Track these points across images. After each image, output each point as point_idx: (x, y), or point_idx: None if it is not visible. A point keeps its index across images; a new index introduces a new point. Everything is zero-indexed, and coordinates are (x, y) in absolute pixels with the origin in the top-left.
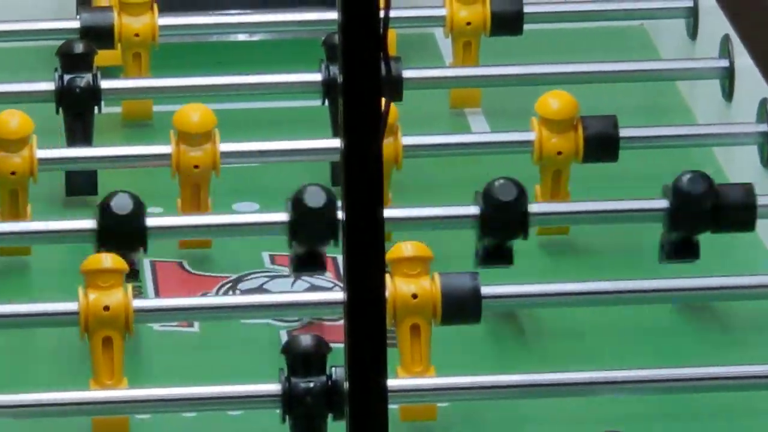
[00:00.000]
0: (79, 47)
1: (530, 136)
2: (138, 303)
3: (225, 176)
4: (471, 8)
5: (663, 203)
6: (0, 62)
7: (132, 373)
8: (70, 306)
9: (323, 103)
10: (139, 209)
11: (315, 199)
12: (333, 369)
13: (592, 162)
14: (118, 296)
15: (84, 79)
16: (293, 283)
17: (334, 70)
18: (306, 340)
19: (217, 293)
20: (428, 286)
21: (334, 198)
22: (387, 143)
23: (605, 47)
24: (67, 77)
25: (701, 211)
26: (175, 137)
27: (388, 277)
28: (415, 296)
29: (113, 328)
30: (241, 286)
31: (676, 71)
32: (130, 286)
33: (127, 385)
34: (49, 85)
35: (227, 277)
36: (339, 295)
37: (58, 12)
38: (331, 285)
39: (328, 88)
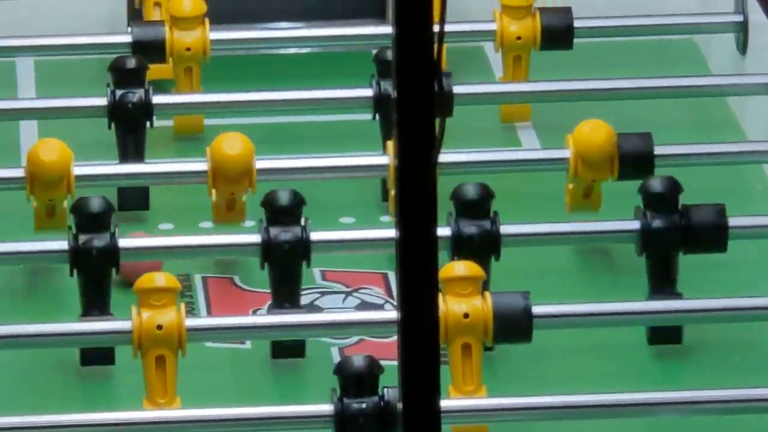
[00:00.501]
0: (131, 63)
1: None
2: (191, 322)
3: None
4: (521, 23)
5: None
6: (52, 75)
7: (185, 392)
8: (124, 325)
9: (374, 117)
10: None
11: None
12: (385, 390)
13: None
14: (171, 315)
15: (136, 95)
16: (345, 299)
17: (385, 85)
18: (358, 361)
19: (268, 309)
20: (480, 306)
21: None
22: None
23: (655, 61)
24: (119, 92)
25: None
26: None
27: (440, 296)
28: (466, 316)
29: (166, 347)
30: None
31: (725, 86)
32: (183, 305)
33: (180, 404)
34: (101, 101)
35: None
36: (391, 314)
37: (110, 24)
38: (381, 301)
39: (378, 103)
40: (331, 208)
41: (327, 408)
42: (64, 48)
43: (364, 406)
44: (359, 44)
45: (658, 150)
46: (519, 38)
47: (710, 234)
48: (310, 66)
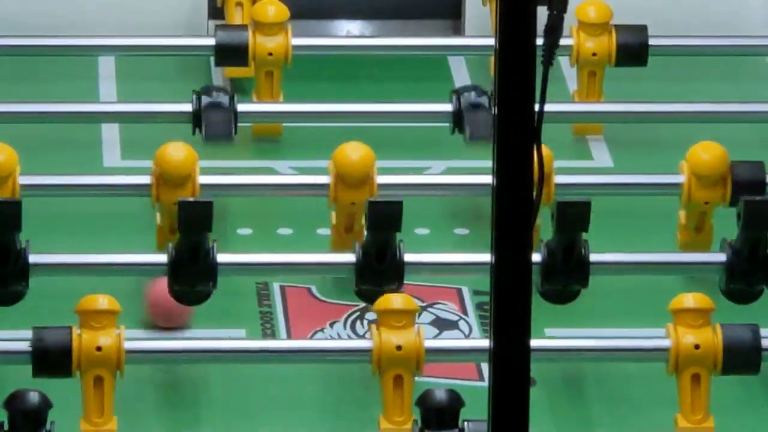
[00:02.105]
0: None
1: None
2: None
3: None
4: (597, 39)
5: None
6: (131, 71)
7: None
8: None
9: (452, 132)
10: None
11: None
12: (465, 423)
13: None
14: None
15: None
16: (419, 315)
17: (464, 100)
18: (440, 394)
19: (345, 322)
20: (711, 337)
21: None
22: None
23: (723, 77)
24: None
25: None
26: (334, 171)
27: (671, 326)
28: (697, 347)
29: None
30: (368, 315)
31: None
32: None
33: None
34: (187, 107)
35: (355, 305)
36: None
37: (189, 22)
38: (456, 318)
39: (457, 117)
40: (407, 216)
41: None
42: (149, 48)
43: None
44: (434, 54)
45: None
46: (594, 54)
47: None
48: (380, 65)
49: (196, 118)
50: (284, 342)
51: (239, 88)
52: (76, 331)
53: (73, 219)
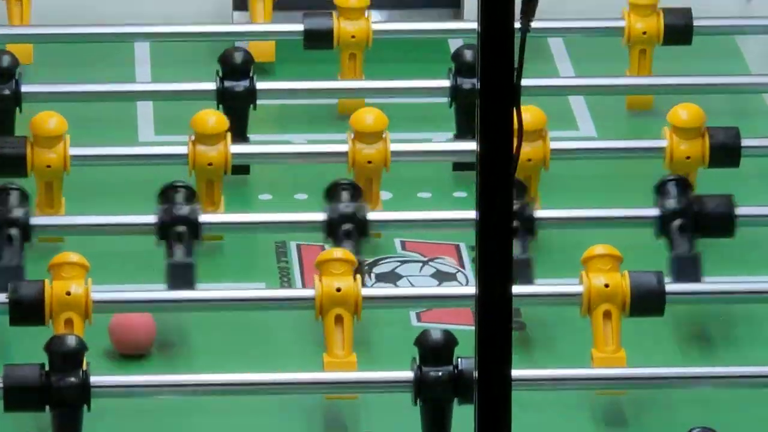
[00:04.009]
0: (239, 56)
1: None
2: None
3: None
4: (646, 20)
5: None
6: (166, 56)
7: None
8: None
9: (450, 105)
10: None
11: None
12: (459, 359)
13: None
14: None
15: (241, 84)
16: (422, 268)
17: (460, 79)
18: (435, 334)
19: (353, 276)
20: (619, 279)
21: None
22: None
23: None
24: (227, 82)
25: None
26: (352, 136)
27: (583, 274)
28: (607, 285)
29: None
30: (376, 269)
31: None
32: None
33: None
34: (211, 85)
35: (365, 260)
36: (466, 290)
37: (217, 15)
38: (454, 270)
39: (455, 91)
40: (410, 183)
41: (407, 375)
42: (179, 35)
43: (440, 374)
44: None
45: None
46: (645, 33)
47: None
48: (386, 47)
49: (219, 95)
50: (256, 291)
51: (261, 70)
52: (48, 283)
53: (113, 186)
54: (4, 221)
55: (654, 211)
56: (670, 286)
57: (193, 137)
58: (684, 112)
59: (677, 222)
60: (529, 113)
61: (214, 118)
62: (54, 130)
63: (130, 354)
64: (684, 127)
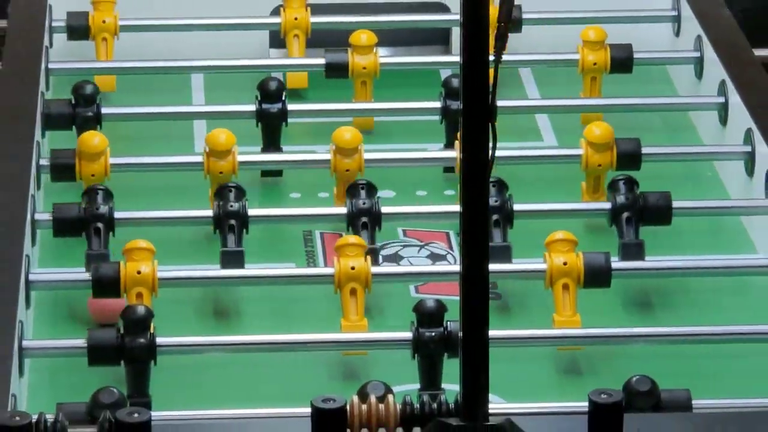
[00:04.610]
0: (273, 84)
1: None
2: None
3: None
4: (596, 53)
5: None
6: (218, 84)
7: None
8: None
9: (441, 122)
10: None
11: None
12: (448, 323)
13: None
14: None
15: (275, 106)
16: (419, 251)
17: (449, 101)
18: (430, 303)
19: (365, 256)
20: (575, 258)
21: None
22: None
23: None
24: (264, 105)
25: None
26: (333, 149)
27: (546, 254)
28: (565, 263)
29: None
30: (383, 252)
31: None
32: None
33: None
34: (252, 107)
35: (374, 246)
36: (454, 267)
37: (257, 52)
38: (445, 252)
39: (444, 111)
40: (410, 183)
41: (407, 335)
42: (228, 68)
43: (433, 334)
44: (430, 68)
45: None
46: (595, 64)
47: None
48: (390, 76)
49: (258, 115)
50: (290, 269)
51: (296, 95)
52: (122, 264)
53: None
54: (93, 216)
55: (607, 205)
56: (616, 264)
57: (207, 149)
58: (597, 129)
59: (625, 214)
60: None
61: (224, 136)
62: (97, 146)
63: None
64: (596, 141)
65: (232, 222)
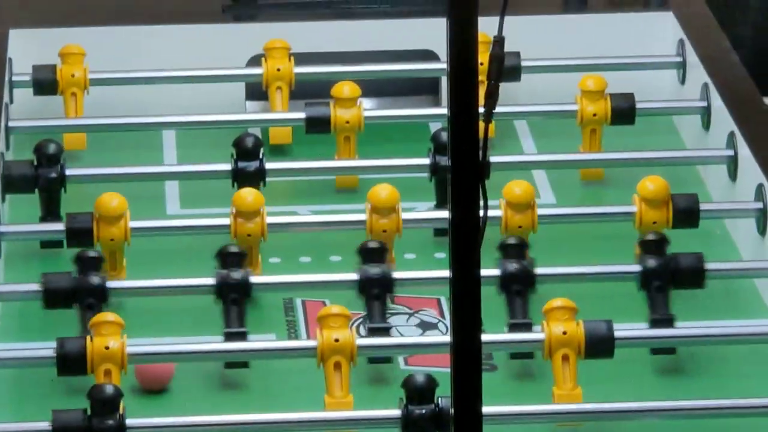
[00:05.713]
0: (250, 141)
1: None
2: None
3: None
4: (596, 104)
5: None
6: (190, 141)
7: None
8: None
9: (430, 180)
10: None
11: None
12: (439, 399)
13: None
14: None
15: (252, 165)
16: (408, 319)
17: (438, 157)
18: (419, 378)
19: (350, 328)
20: (575, 327)
21: None
22: None
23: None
24: (240, 163)
25: None
26: (369, 208)
27: (544, 323)
28: (564, 332)
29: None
30: (369, 324)
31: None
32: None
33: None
34: (227, 166)
35: (359, 314)
36: (445, 338)
37: (231, 106)
38: (436, 321)
39: (433, 168)
40: (397, 246)
41: (396, 413)
42: (200, 123)
43: (423, 411)
44: (419, 121)
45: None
46: (595, 115)
47: None
48: (375, 130)
49: (234, 175)
50: (270, 342)
51: (280, 151)
52: (89, 339)
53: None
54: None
55: (635, 267)
56: (619, 332)
57: (234, 211)
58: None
59: (655, 283)
60: (521, 187)
61: (252, 196)
62: (116, 209)
63: (153, 389)
64: (650, 197)
65: (234, 296)
